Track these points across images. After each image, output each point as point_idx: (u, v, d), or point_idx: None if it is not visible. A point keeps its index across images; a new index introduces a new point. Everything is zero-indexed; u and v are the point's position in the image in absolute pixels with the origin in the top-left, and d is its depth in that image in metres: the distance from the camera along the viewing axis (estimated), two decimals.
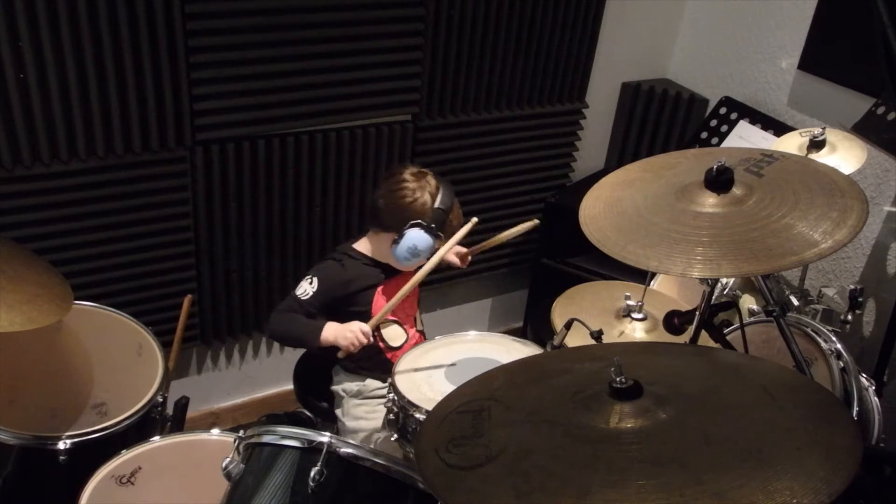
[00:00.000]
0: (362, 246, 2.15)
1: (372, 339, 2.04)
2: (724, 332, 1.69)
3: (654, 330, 2.00)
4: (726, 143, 2.83)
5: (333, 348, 2.04)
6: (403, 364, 1.97)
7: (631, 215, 1.46)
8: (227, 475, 1.58)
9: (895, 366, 2.34)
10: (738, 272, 1.35)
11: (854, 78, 2.54)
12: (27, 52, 1.99)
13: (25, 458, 1.79)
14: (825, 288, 2.46)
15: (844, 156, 2.24)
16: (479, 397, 1.28)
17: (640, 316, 2.03)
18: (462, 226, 2.06)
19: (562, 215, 2.91)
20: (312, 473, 1.49)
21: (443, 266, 2.23)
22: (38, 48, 2.01)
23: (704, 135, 2.91)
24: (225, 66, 2.26)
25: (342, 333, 2.02)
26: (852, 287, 2.25)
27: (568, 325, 1.86)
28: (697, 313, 1.59)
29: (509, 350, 2.02)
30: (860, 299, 2.25)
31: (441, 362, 1.98)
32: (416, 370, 1.95)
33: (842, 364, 1.89)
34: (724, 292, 2.39)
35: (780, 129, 2.72)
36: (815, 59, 2.68)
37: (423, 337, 2.24)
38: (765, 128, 2.78)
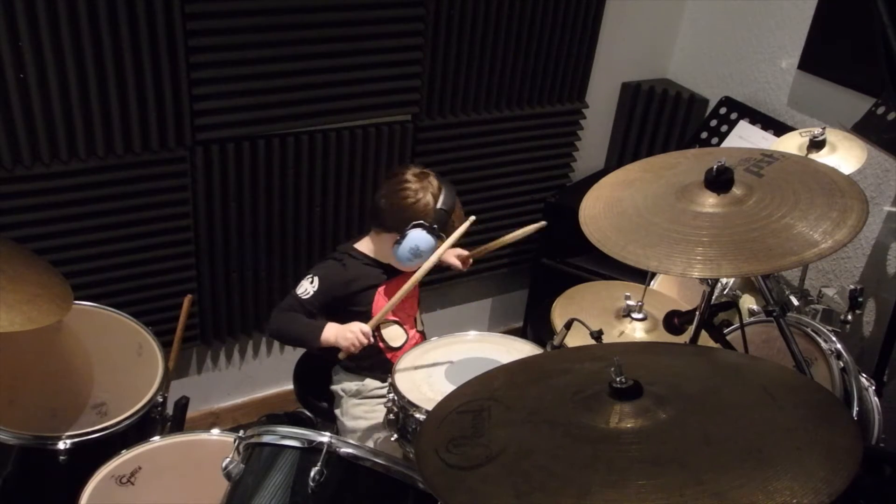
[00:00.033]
0: (364, 246, 2.15)
1: (372, 339, 2.04)
2: (724, 332, 1.69)
3: (654, 330, 2.00)
4: (726, 143, 2.83)
5: (334, 349, 2.04)
6: (403, 364, 1.97)
7: (631, 215, 1.46)
8: (227, 475, 1.58)
9: (895, 366, 2.34)
10: (738, 272, 1.35)
11: (854, 78, 2.54)
12: (27, 52, 1.99)
13: (25, 458, 1.79)
14: (825, 288, 2.46)
15: (844, 156, 2.24)
16: (479, 397, 1.28)
17: (640, 316, 2.03)
18: (468, 233, 2.07)
19: (562, 215, 2.90)
20: (312, 473, 1.49)
21: (443, 267, 2.23)
22: (38, 48, 2.01)
23: (704, 135, 2.91)
24: (225, 66, 2.26)
25: (342, 334, 2.02)
26: (852, 287, 2.25)
27: (568, 325, 1.86)
28: (697, 313, 1.59)
29: (509, 350, 2.02)
30: (860, 299, 2.25)
31: (441, 362, 1.98)
32: (416, 370, 1.95)
33: (842, 364, 1.89)
34: (724, 292, 2.39)
35: (780, 129, 2.72)
36: (815, 59, 2.68)
37: (423, 337, 2.24)
38: (765, 128, 2.78)
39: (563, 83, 2.92)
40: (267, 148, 2.42)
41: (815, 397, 1.17)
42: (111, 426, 1.81)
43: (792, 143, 2.32)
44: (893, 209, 2.52)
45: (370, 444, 2.08)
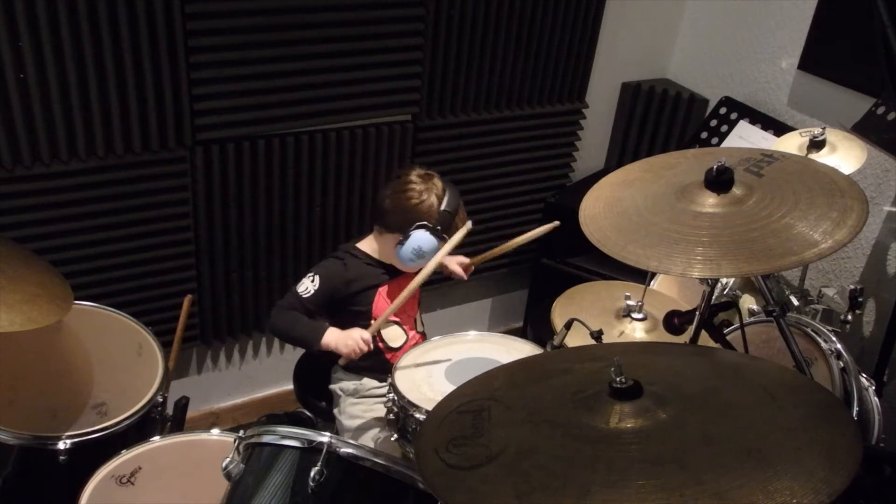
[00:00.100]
0: (366, 245, 2.15)
1: (372, 346, 2.04)
2: (724, 332, 1.69)
3: (654, 330, 2.00)
4: (726, 143, 2.83)
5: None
6: (403, 364, 1.97)
7: (631, 215, 1.46)
8: (227, 475, 1.58)
9: (895, 366, 2.34)
10: (738, 272, 1.35)
11: (854, 78, 2.54)
12: (27, 52, 1.99)
13: (25, 458, 1.79)
14: (825, 288, 2.46)
15: (844, 156, 2.24)
16: (479, 397, 1.28)
17: (640, 316, 2.03)
18: (469, 234, 2.07)
19: (562, 215, 2.90)
20: (312, 473, 1.49)
21: (444, 275, 2.23)
22: (38, 48, 2.01)
23: (704, 135, 2.91)
24: (225, 66, 2.26)
25: (343, 341, 2.02)
26: (852, 287, 2.25)
27: (568, 325, 1.86)
28: (697, 313, 1.59)
29: (509, 350, 2.02)
30: (860, 299, 2.25)
31: (441, 362, 1.98)
32: (416, 370, 1.95)
33: (842, 364, 1.89)
34: (724, 292, 2.39)
35: (780, 129, 2.72)
36: (815, 59, 2.68)
37: (423, 338, 2.24)
38: (765, 128, 2.78)
39: (563, 83, 2.92)
40: (267, 148, 2.42)
41: (815, 397, 1.17)
42: (111, 426, 1.81)
43: (792, 143, 2.32)
44: (893, 209, 2.52)
45: (368, 443, 2.08)
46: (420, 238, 2.02)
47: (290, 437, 1.56)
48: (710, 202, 1.42)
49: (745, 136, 2.80)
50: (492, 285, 3.27)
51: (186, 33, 2.17)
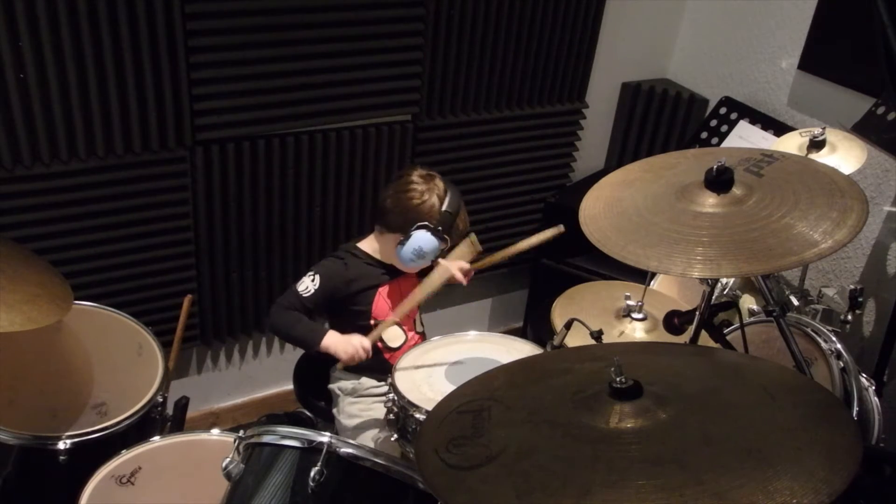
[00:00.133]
0: (367, 245, 2.15)
1: (371, 353, 2.04)
2: (724, 332, 1.69)
3: (654, 330, 2.00)
4: (726, 143, 2.83)
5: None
6: (403, 364, 1.97)
7: (631, 215, 1.46)
8: (227, 475, 1.58)
9: (895, 366, 2.34)
10: (738, 272, 1.35)
11: (854, 78, 2.54)
12: (27, 52, 1.99)
13: (25, 458, 1.79)
14: (825, 288, 2.46)
15: (844, 156, 2.24)
16: (479, 397, 1.28)
17: (640, 316, 2.03)
18: (467, 233, 2.08)
19: (562, 215, 2.89)
20: (312, 473, 1.49)
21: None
22: (38, 48, 2.01)
23: (704, 135, 2.91)
24: (225, 66, 2.26)
25: (343, 346, 2.02)
26: (852, 287, 2.25)
27: (568, 325, 1.86)
28: (697, 313, 1.59)
29: (509, 350, 2.02)
30: (860, 299, 2.25)
31: (441, 362, 1.98)
32: (416, 370, 1.95)
33: (842, 364, 1.89)
34: (724, 292, 2.39)
35: (780, 129, 2.72)
36: (815, 59, 2.68)
37: (422, 338, 2.24)
38: (765, 128, 2.78)
39: (563, 83, 2.92)
40: (267, 148, 2.42)
41: (815, 397, 1.17)
42: (111, 426, 1.81)
43: (792, 143, 2.32)
44: (893, 209, 2.52)
45: (368, 443, 2.08)
46: (421, 238, 2.02)
47: (290, 437, 1.56)
48: (710, 202, 1.42)
49: (745, 136, 2.80)
50: (492, 285, 3.27)
51: (186, 33, 2.17)
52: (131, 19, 2.08)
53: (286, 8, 2.27)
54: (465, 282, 2.22)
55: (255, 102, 2.34)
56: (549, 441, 1.12)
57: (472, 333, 2.13)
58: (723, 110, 2.90)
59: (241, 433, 1.64)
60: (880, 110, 2.15)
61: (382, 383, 2.10)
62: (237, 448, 1.61)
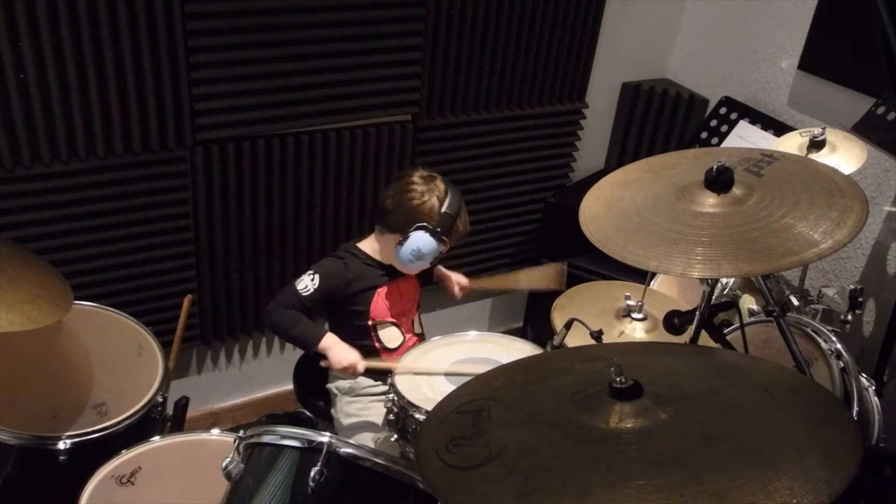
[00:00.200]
0: (367, 245, 2.15)
1: (363, 374, 2.04)
2: (724, 332, 1.69)
3: (654, 330, 2.00)
4: (726, 143, 2.83)
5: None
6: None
7: (631, 215, 1.46)
8: (227, 475, 1.58)
9: (895, 366, 2.34)
10: (738, 272, 1.35)
11: (854, 78, 2.54)
12: (27, 52, 1.99)
13: (25, 458, 1.79)
14: (825, 288, 2.46)
15: (844, 156, 2.24)
16: (479, 397, 1.28)
17: (640, 316, 2.02)
18: (468, 234, 2.09)
19: (562, 215, 2.91)
20: (312, 473, 1.49)
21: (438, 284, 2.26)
22: (38, 48, 2.01)
23: (704, 135, 2.91)
24: (225, 66, 2.26)
25: (341, 355, 2.00)
26: (852, 287, 2.25)
27: (568, 325, 1.86)
28: (697, 313, 1.59)
29: (509, 350, 2.02)
30: (860, 299, 2.25)
31: (441, 362, 1.98)
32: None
33: (842, 364, 1.89)
34: (724, 292, 2.39)
35: (780, 129, 2.72)
36: (815, 59, 2.68)
37: (420, 339, 2.23)
38: (765, 128, 2.78)
39: (563, 83, 2.92)
40: (267, 148, 2.42)
41: (815, 397, 1.17)
42: (111, 426, 1.82)
43: (792, 143, 2.32)
44: (893, 209, 2.52)
45: (367, 442, 2.08)
46: (419, 239, 2.02)
47: (290, 437, 1.56)
48: (710, 202, 1.42)
49: (745, 136, 2.80)
50: None
51: (186, 33, 2.17)
52: (131, 19, 2.08)
53: (286, 8, 2.27)
54: (458, 296, 2.26)
55: (255, 102, 2.34)
56: (549, 441, 1.12)
57: (472, 333, 2.12)
58: (723, 110, 2.90)
59: (241, 433, 1.64)
60: (880, 110, 2.15)
61: (380, 383, 2.11)
62: (237, 448, 1.61)
